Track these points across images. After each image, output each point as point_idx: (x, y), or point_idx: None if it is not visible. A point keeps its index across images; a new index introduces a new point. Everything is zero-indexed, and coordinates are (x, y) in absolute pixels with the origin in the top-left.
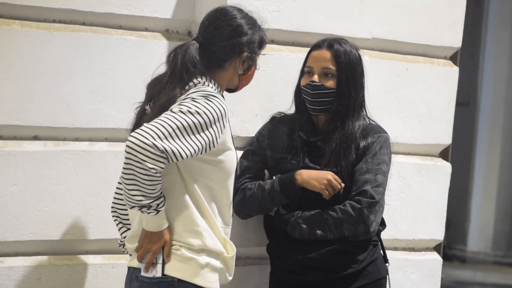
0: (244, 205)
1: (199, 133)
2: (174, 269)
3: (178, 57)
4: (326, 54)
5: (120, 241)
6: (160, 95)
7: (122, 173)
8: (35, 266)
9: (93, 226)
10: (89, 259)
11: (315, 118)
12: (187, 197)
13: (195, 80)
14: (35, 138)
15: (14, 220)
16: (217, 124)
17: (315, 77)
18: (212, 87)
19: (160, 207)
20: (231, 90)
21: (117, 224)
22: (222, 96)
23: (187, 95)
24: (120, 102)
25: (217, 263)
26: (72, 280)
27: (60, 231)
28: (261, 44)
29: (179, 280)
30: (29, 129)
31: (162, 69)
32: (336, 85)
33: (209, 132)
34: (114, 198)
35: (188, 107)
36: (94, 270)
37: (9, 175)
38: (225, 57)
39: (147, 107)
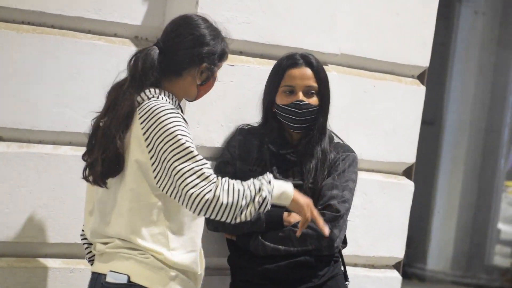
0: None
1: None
2: (143, 277)
3: (138, 62)
4: (307, 71)
5: (88, 259)
6: (119, 102)
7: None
8: None
9: (53, 229)
10: (48, 262)
11: (287, 133)
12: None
13: (148, 92)
14: None
15: None
16: (178, 115)
17: (300, 96)
18: (165, 100)
19: (266, 184)
20: (189, 100)
21: (85, 248)
22: (179, 106)
23: (143, 114)
24: (86, 107)
25: (185, 278)
26: (29, 283)
27: (20, 233)
28: (222, 56)
29: None
30: None
31: (123, 76)
32: (318, 101)
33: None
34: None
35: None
36: (52, 274)
37: None
38: (183, 65)
39: (101, 123)
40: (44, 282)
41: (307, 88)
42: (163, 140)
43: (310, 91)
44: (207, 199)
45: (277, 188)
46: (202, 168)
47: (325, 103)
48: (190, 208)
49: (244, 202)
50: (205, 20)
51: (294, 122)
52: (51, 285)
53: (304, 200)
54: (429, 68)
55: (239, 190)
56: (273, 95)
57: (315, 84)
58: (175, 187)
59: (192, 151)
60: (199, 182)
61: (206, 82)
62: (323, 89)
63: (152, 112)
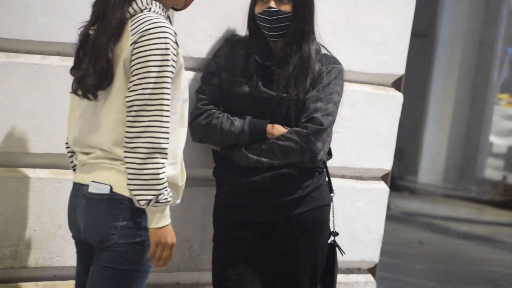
0: (205, 130)
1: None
2: (125, 187)
3: None
4: None
5: (72, 168)
6: (108, 13)
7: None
8: None
9: (41, 140)
10: (36, 173)
11: (272, 44)
12: None
13: (139, 3)
14: None
15: None
16: (169, 56)
17: (272, 3)
18: (157, 11)
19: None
20: (177, 9)
21: (69, 156)
22: (168, 17)
23: (135, 29)
24: (75, 16)
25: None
26: (18, 192)
27: (8, 143)
28: None
29: (129, 199)
30: None
31: None
32: (292, 8)
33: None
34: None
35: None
36: (41, 184)
37: None
38: None
39: (91, 31)
40: (32, 192)
41: None
42: (145, 67)
43: None
44: (139, 158)
45: (167, 209)
46: (160, 142)
47: (299, 10)
48: (125, 137)
49: (155, 188)
50: None
51: (268, 30)
52: (40, 195)
53: (169, 239)
54: None
55: (158, 178)
56: (253, 5)
57: None
58: (130, 112)
59: (162, 105)
60: (152, 145)
61: None
62: None
63: (145, 27)
